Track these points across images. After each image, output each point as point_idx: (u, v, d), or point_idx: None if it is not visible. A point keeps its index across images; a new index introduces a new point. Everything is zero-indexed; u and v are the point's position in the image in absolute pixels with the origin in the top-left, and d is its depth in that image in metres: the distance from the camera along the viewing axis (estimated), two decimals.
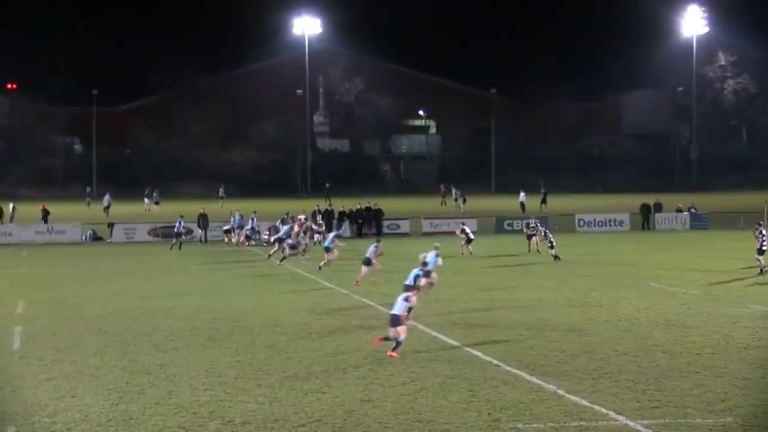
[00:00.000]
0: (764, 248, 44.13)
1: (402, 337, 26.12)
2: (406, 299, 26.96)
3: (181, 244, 61.52)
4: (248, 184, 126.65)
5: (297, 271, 48.43)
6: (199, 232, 67.61)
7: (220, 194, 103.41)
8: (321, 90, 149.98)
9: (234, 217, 65.62)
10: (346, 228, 69.22)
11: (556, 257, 50.35)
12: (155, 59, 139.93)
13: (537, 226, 55.82)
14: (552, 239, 51.19)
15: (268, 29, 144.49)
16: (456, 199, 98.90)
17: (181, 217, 64.43)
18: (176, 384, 23.57)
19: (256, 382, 23.58)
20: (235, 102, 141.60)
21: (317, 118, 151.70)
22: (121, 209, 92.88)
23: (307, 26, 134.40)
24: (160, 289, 41.82)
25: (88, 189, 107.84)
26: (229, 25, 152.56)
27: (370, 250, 42.44)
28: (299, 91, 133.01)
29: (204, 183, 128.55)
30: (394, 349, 26.00)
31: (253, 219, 65.00)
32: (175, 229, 62.78)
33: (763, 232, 44.59)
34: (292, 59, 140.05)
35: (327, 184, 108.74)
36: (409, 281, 32.69)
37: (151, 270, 50.45)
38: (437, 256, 37.80)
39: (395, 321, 26.32)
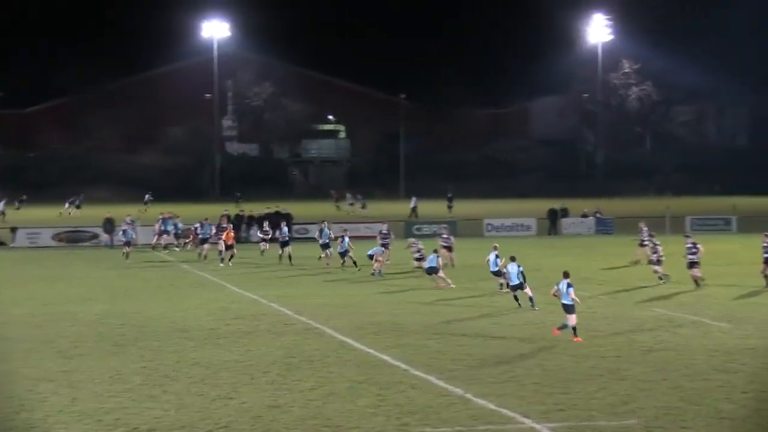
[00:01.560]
0: (662, 258, 44.20)
1: (573, 322, 29.18)
2: (570, 285, 29.36)
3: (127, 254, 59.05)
4: (156, 188, 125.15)
5: (205, 276, 48.09)
6: (105, 236, 66.80)
7: (145, 200, 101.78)
8: (230, 94, 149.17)
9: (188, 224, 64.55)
10: (256, 232, 68.97)
11: (418, 268, 46.26)
12: (62, 61, 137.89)
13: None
14: (421, 253, 46.41)
15: (176, 32, 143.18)
16: (351, 204, 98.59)
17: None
18: (80, 391, 23.24)
19: (162, 389, 23.36)
20: (144, 105, 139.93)
21: (226, 122, 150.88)
22: (27, 214, 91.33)
23: (215, 30, 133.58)
24: (65, 295, 41.22)
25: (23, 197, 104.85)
26: (137, 27, 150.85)
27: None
28: (208, 95, 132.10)
29: (112, 187, 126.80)
30: (575, 335, 28.99)
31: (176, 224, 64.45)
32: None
33: (656, 241, 45.38)
34: (200, 63, 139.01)
35: (238, 193, 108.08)
36: (514, 280, 35.29)
37: (56, 275, 49.62)
38: (497, 257, 39.41)
39: (571, 309, 29.12)
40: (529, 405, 21.60)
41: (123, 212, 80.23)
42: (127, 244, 56.99)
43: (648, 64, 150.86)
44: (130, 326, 32.45)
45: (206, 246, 55.36)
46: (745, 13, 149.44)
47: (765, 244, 42.41)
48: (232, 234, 55.12)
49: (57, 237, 68.27)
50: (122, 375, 24.87)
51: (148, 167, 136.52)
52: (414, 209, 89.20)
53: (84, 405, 21.93)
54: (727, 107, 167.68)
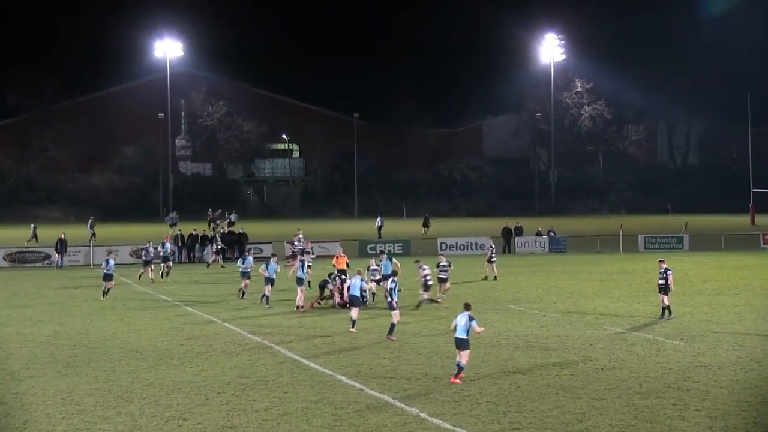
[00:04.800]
0: (429, 283, 41.93)
1: (465, 361, 25.88)
2: (473, 318, 26.10)
3: (169, 270, 56.01)
4: (108, 208, 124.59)
5: (159, 296, 47.77)
6: (56, 257, 66.25)
7: (229, 219, 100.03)
8: (183, 113, 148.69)
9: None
10: (208, 252, 69.07)
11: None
12: (13, 80, 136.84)
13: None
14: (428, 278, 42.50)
15: (129, 52, 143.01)
16: (217, 223, 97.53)
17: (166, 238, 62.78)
18: (32, 413, 22.97)
19: (116, 410, 23.15)
20: (96, 125, 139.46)
21: (179, 142, 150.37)
22: None
23: (168, 49, 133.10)
24: (16, 316, 40.75)
25: None
26: (90, 47, 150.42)
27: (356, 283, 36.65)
28: (161, 115, 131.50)
29: (63, 207, 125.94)
30: (456, 376, 25.85)
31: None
32: (161, 253, 56.18)
33: (425, 267, 41.95)
34: (153, 82, 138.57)
35: (221, 211, 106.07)
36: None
37: (6, 296, 49.08)
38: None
39: (465, 344, 25.94)
40: (484, 424, 21.61)
41: (75, 233, 79.77)
42: (165, 259, 51.83)
43: (600, 84, 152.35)
44: (82, 347, 32.16)
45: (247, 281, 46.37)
46: (694, 35, 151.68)
47: (661, 271, 38.23)
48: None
49: (8, 257, 67.52)
50: (75, 396, 24.63)
51: (99, 187, 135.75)
52: (379, 228, 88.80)
53: (36, 427, 21.68)
54: (677, 126, 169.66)
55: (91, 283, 54.39)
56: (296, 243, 61.40)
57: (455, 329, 26.04)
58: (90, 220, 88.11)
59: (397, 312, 33.45)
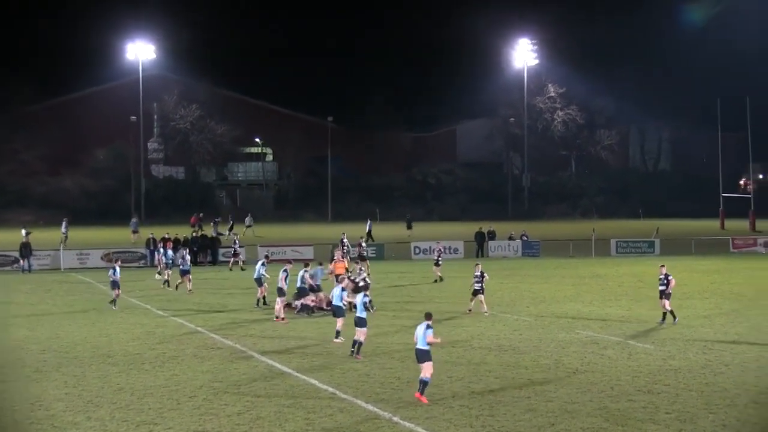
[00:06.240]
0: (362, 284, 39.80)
1: (428, 374, 24.20)
2: (430, 327, 24.36)
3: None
4: (80, 211, 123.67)
5: (131, 300, 47.50)
6: (21, 261, 65.63)
7: (247, 223, 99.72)
8: (155, 116, 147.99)
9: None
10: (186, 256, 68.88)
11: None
12: None
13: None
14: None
15: (101, 54, 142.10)
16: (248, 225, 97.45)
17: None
18: None
19: (86, 415, 22.99)
20: (67, 128, 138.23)
21: (152, 145, 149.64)
22: None
23: (140, 52, 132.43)
24: None
25: None
26: (60, 49, 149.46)
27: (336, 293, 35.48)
28: (133, 118, 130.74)
29: (33, 210, 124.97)
30: (422, 391, 24.13)
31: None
32: (165, 259, 54.74)
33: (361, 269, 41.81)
34: (125, 85, 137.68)
35: (218, 219, 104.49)
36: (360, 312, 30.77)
37: None
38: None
39: (426, 356, 24.28)
40: (457, 428, 21.61)
41: (46, 237, 79.23)
42: (116, 285, 44.44)
43: (572, 89, 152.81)
44: (52, 352, 31.95)
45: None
46: (666, 41, 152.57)
47: (662, 276, 37.96)
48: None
49: None
50: (44, 402, 24.44)
51: (70, 190, 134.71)
52: (369, 232, 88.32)
53: None
54: (648, 132, 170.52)
55: (62, 289, 54.10)
56: (360, 245, 62.18)
57: (417, 341, 24.63)
58: (64, 222, 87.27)
59: (364, 330, 30.63)
